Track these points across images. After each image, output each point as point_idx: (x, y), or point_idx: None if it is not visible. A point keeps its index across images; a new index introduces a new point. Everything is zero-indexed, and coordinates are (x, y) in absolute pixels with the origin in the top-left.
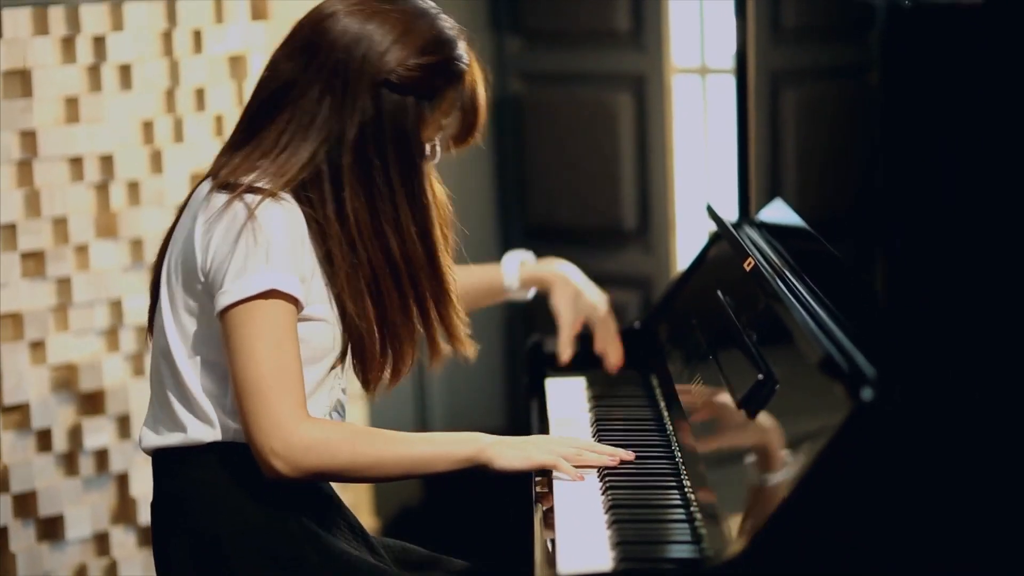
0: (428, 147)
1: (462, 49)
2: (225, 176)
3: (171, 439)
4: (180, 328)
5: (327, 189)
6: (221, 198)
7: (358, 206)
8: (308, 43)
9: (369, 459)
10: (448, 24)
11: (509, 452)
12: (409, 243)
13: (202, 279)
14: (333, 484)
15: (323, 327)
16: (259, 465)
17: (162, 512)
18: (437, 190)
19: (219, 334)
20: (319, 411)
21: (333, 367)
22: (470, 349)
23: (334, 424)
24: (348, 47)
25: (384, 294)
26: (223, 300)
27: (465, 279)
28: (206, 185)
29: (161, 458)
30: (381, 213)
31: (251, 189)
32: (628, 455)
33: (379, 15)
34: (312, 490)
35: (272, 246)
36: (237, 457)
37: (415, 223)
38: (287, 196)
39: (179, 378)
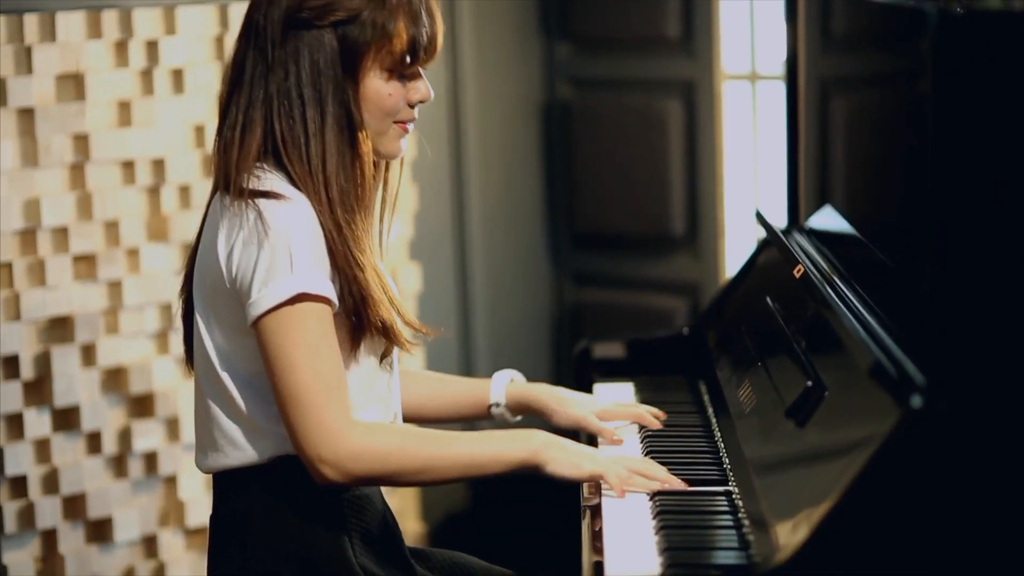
0: (378, 83)
1: None
2: (225, 181)
3: (231, 460)
4: (219, 345)
5: (282, 153)
6: (232, 208)
7: (299, 159)
8: (244, 18)
9: (420, 462)
10: None
11: (563, 457)
12: (319, 189)
13: (231, 293)
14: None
15: None
16: (309, 472)
17: (221, 530)
18: (367, 145)
19: (256, 347)
20: (375, 408)
21: (383, 357)
22: (404, 342)
23: (383, 427)
24: (263, 2)
25: (331, 249)
26: (253, 311)
27: (450, 388)
28: (216, 196)
29: (222, 479)
30: (309, 161)
31: (257, 194)
32: (680, 484)
33: None
34: (368, 510)
35: (293, 249)
36: (297, 473)
37: (322, 165)
38: (292, 193)
39: (228, 397)
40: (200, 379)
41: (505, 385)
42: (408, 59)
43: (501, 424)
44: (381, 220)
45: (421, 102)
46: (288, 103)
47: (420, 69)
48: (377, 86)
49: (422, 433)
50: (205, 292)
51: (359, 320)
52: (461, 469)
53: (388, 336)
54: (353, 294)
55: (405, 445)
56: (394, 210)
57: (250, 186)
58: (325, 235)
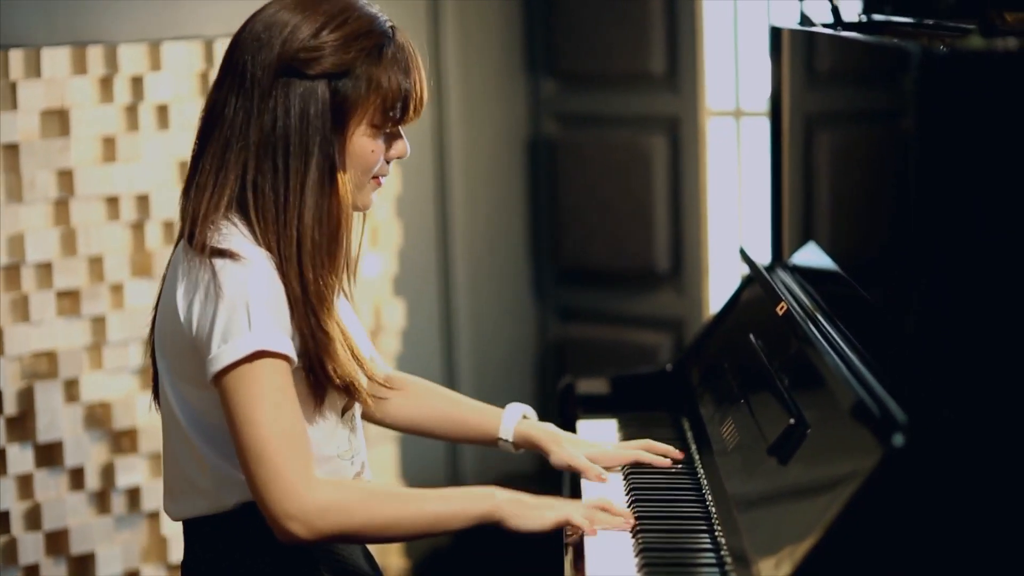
0: (363, 138)
1: (380, 24)
2: (190, 230)
3: (198, 508)
4: (180, 394)
5: (253, 202)
6: (193, 262)
7: (268, 209)
8: (225, 59)
9: (384, 519)
10: (365, 3)
11: (524, 511)
12: (288, 239)
13: (192, 347)
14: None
15: None
16: (274, 531)
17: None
18: (346, 199)
19: (216, 398)
20: (337, 462)
21: (344, 411)
22: (366, 399)
23: (347, 484)
24: (253, 45)
25: (292, 307)
26: (212, 367)
27: (463, 411)
28: (180, 245)
29: (192, 526)
30: (278, 212)
31: (215, 252)
32: (628, 523)
33: (288, 9)
34: (342, 549)
35: (252, 307)
36: (264, 521)
37: (297, 217)
38: (250, 251)
39: (190, 445)
40: (165, 427)
41: (516, 422)
42: (398, 116)
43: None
44: (347, 271)
45: (399, 158)
46: (271, 152)
47: (400, 127)
48: (363, 142)
49: (385, 491)
50: (166, 342)
51: (317, 377)
52: (423, 525)
53: (349, 393)
54: (312, 352)
55: (369, 502)
56: (357, 263)
57: (211, 243)
58: (288, 292)
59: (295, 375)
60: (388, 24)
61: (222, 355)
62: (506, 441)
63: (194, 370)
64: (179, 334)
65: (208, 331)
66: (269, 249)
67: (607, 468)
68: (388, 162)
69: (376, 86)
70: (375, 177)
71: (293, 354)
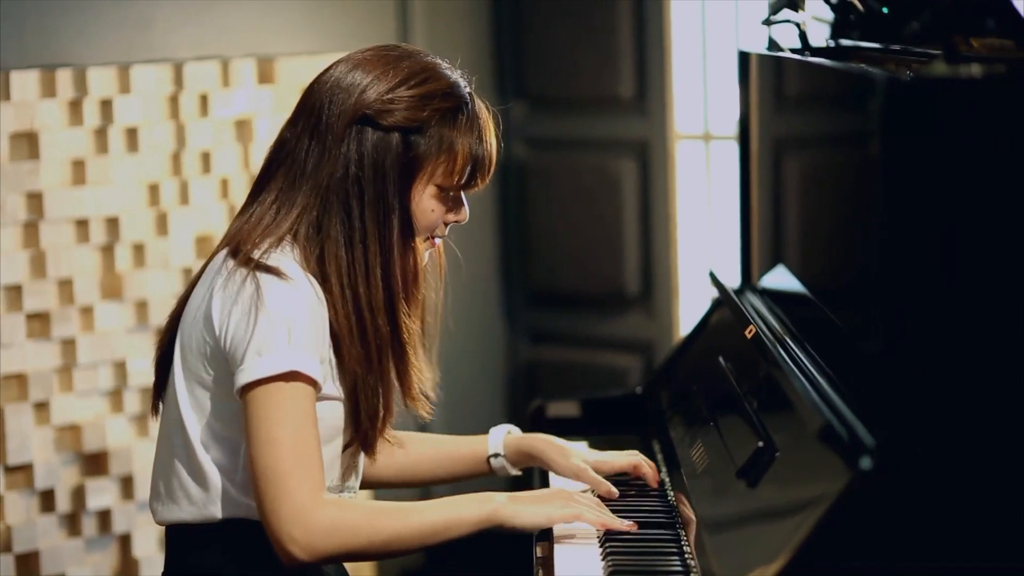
0: (427, 198)
1: (459, 88)
2: (236, 245)
3: (184, 514)
4: (194, 401)
5: (315, 239)
6: (236, 273)
7: (338, 252)
8: (303, 100)
9: (387, 534)
10: (447, 67)
11: (526, 510)
12: (373, 287)
13: (221, 353)
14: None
15: (338, 405)
16: (276, 551)
17: None
18: (421, 251)
19: (232, 409)
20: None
21: (347, 446)
22: (422, 409)
23: (349, 504)
24: (331, 91)
25: (355, 345)
26: (243, 377)
27: (448, 446)
28: (221, 255)
29: (176, 533)
30: (354, 258)
31: (261, 267)
32: (631, 526)
33: (370, 62)
34: (321, 570)
35: (293, 327)
36: (249, 537)
37: (380, 265)
38: (296, 274)
39: (191, 452)
40: (166, 431)
41: (503, 436)
42: (464, 180)
43: (501, 478)
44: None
45: (457, 222)
46: (343, 197)
47: (463, 192)
48: (426, 200)
49: (386, 506)
50: (192, 349)
51: (369, 418)
52: (425, 536)
53: (367, 447)
54: (373, 397)
55: (372, 518)
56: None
57: (258, 258)
58: (372, 337)
59: (333, 408)
60: (467, 90)
61: (255, 367)
62: (499, 456)
63: (218, 379)
64: (210, 341)
65: (245, 342)
66: (344, 293)
67: (606, 476)
68: (446, 224)
69: (448, 147)
70: (430, 237)
71: (322, 381)
